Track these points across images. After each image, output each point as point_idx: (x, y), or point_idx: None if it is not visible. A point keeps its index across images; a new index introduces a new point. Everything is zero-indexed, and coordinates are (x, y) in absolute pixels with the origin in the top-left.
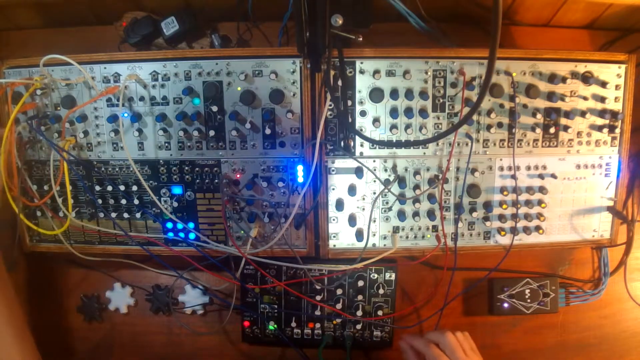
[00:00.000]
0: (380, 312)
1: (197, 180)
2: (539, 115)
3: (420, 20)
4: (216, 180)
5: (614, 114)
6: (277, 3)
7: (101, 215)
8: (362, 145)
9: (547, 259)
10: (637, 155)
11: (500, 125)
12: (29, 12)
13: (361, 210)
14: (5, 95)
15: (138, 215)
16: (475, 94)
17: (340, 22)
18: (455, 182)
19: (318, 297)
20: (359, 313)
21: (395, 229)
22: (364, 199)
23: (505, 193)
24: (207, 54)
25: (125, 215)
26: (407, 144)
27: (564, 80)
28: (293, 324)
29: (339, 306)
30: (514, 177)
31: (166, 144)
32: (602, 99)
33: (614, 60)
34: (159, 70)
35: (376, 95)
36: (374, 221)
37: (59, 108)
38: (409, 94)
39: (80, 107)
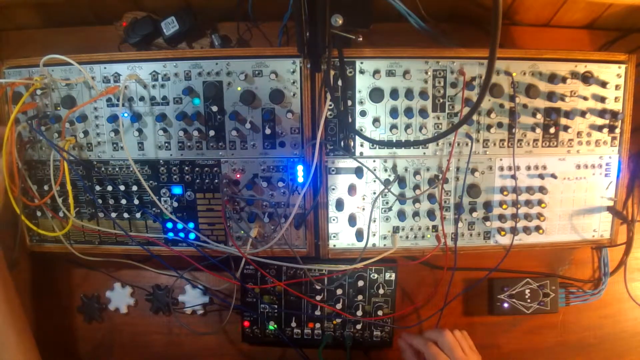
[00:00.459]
0: (380, 312)
1: (197, 180)
2: (539, 115)
3: (420, 20)
4: (216, 180)
5: (614, 114)
6: (277, 3)
7: (101, 215)
8: (362, 145)
9: (547, 259)
10: (637, 155)
11: (500, 125)
12: (29, 12)
13: (361, 210)
14: (5, 95)
15: (138, 215)
16: (475, 94)
17: (340, 22)
18: (455, 182)
19: (318, 297)
20: (359, 313)
21: (395, 229)
22: (364, 199)
23: (505, 193)
24: (207, 54)
25: (125, 215)
26: (407, 144)
27: (564, 80)
28: (293, 324)
29: (339, 306)
30: (514, 177)
31: (166, 144)
32: (602, 99)
33: (614, 60)
34: (159, 70)
35: (376, 95)
36: (374, 221)
37: (59, 108)
38: (409, 94)
39: (80, 107)
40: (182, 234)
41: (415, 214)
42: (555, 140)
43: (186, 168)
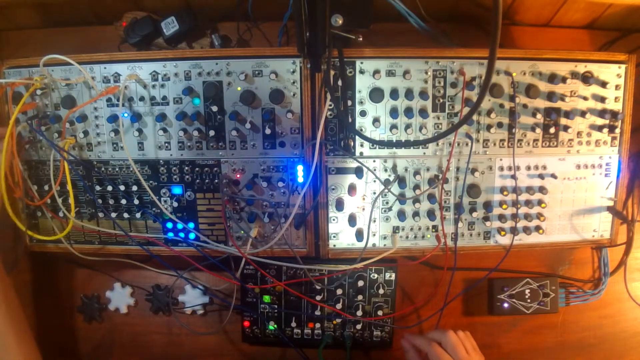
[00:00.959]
0: (380, 312)
1: (197, 180)
2: (539, 115)
3: (420, 20)
4: (216, 180)
5: (614, 114)
6: (277, 3)
7: (101, 215)
8: (362, 145)
9: (547, 259)
10: (637, 155)
11: (500, 125)
12: (29, 12)
13: (361, 210)
14: (5, 95)
15: (138, 215)
16: (475, 94)
17: (340, 22)
18: (455, 182)
19: (318, 297)
20: (359, 313)
21: (395, 229)
22: (364, 199)
23: (505, 193)
24: (207, 54)
25: (125, 215)
26: (407, 144)
27: (564, 80)
28: (293, 324)
29: (339, 306)
30: (514, 177)
31: (166, 144)
32: (602, 99)
33: (614, 60)
34: (159, 70)
35: (376, 95)
36: (374, 221)
37: (59, 108)
38: (409, 94)
39: (80, 107)
40: (182, 234)
41: (415, 214)
42: (555, 140)
43: (186, 168)
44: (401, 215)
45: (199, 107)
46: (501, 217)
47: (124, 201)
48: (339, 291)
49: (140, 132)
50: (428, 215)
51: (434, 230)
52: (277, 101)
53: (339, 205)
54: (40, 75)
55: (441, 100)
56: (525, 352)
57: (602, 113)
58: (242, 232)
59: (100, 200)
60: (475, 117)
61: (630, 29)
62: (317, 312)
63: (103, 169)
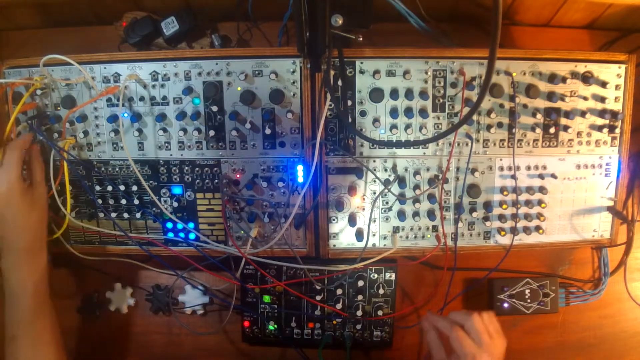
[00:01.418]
0: (380, 312)
1: (197, 180)
2: (539, 115)
3: (420, 20)
4: (216, 180)
5: (614, 114)
6: (277, 3)
7: (101, 215)
8: (362, 145)
9: (547, 259)
10: (637, 155)
11: (500, 125)
12: (29, 12)
13: (361, 210)
14: (5, 95)
15: (138, 215)
16: (475, 94)
17: (340, 22)
18: (455, 182)
19: (318, 297)
20: (359, 313)
21: (395, 229)
22: (364, 199)
23: (505, 193)
24: (207, 54)
25: (125, 215)
26: (407, 144)
27: (564, 80)
28: (293, 324)
29: (339, 306)
30: (514, 177)
31: (166, 144)
32: (602, 99)
33: (614, 60)
34: (159, 70)
35: (376, 95)
36: (374, 221)
37: (59, 108)
38: (409, 94)
39: (80, 107)
40: (182, 234)
41: (415, 214)
42: (555, 140)
43: (186, 168)
44: (401, 215)
45: (199, 107)
46: (501, 217)
47: (124, 201)
48: (339, 291)
49: (140, 132)
50: (428, 215)
51: (434, 230)
52: (277, 101)
53: (339, 205)
54: (40, 75)
55: (441, 100)
56: (525, 352)
57: (602, 113)
58: (242, 232)
59: (100, 200)
60: (475, 117)
61: (630, 29)
62: (317, 312)
63: (103, 169)
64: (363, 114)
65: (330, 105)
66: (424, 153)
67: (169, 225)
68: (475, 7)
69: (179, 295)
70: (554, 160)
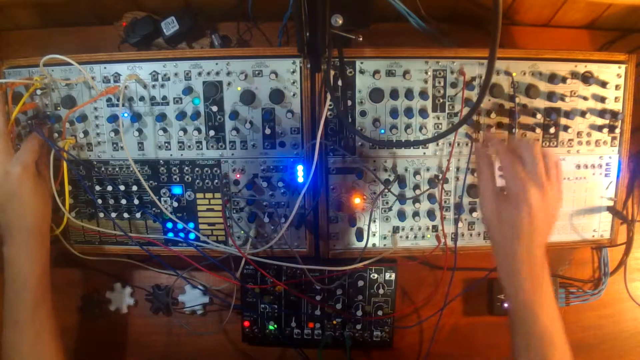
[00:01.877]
0: (380, 312)
1: (197, 180)
2: (539, 115)
3: (420, 20)
4: (216, 180)
5: (614, 114)
6: (277, 3)
7: (101, 215)
8: (362, 145)
9: (547, 259)
10: (637, 155)
11: (500, 125)
12: (29, 12)
13: (361, 210)
14: (5, 95)
15: (138, 215)
16: (475, 94)
17: (340, 22)
18: (455, 182)
19: (318, 297)
20: (359, 313)
21: (395, 229)
22: (364, 199)
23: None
24: (207, 54)
25: (125, 215)
26: (407, 144)
27: (564, 80)
28: (293, 324)
29: (339, 306)
30: None
31: (166, 144)
32: (602, 99)
33: (614, 60)
34: (159, 70)
35: (376, 95)
36: (374, 221)
37: (59, 108)
38: (409, 94)
39: (80, 107)
40: (182, 234)
41: (415, 214)
42: (555, 140)
43: (186, 168)
44: (401, 215)
45: (199, 107)
46: None
47: (124, 201)
48: (339, 291)
49: (140, 132)
50: (428, 215)
51: (434, 230)
52: (277, 101)
53: (339, 205)
54: (40, 75)
55: (441, 100)
56: None
57: (602, 113)
58: (242, 232)
59: (100, 200)
60: (475, 117)
61: (630, 29)
62: (317, 312)
63: (103, 169)
64: (363, 114)
65: (330, 105)
66: (424, 153)
67: (169, 225)
68: (475, 7)
69: (179, 295)
70: None
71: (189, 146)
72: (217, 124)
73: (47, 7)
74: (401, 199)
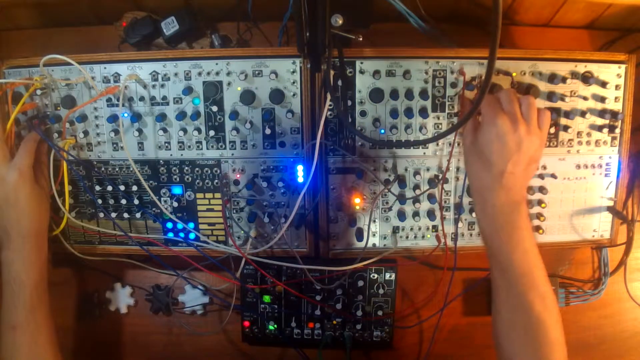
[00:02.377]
0: (380, 312)
1: (197, 180)
2: None
3: (420, 20)
4: (216, 180)
5: (614, 114)
6: (277, 3)
7: (101, 215)
8: (362, 145)
9: (547, 259)
10: (637, 155)
11: None
12: (29, 12)
13: (361, 210)
14: (5, 95)
15: (138, 215)
16: (476, 94)
17: (340, 22)
18: (455, 182)
19: (318, 297)
20: (359, 313)
21: (395, 229)
22: (364, 199)
23: None
24: (207, 54)
25: (125, 215)
26: (407, 144)
27: (564, 80)
28: (293, 324)
29: (339, 306)
30: None
31: (166, 144)
32: (602, 99)
33: (614, 60)
34: (159, 70)
35: (376, 95)
36: (374, 221)
37: (59, 108)
38: (409, 94)
39: (80, 107)
40: (182, 234)
41: (415, 214)
42: (555, 140)
43: (186, 168)
44: (401, 215)
45: (199, 107)
46: None
47: (124, 201)
48: (339, 291)
49: (140, 132)
50: (428, 215)
51: (434, 230)
52: (277, 101)
53: (339, 205)
54: (40, 75)
55: (441, 100)
56: None
57: (602, 113)
58: (242, 232)
59: (100, 200)
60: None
61: (630, 29)
62: (317, 312)
63: (103, 169)
64: (363, 114)
65: (330, 105)
66: (424, 153)
67: (169, 225)
68: (475, 7)
69: (179, 295)
70: (553, 160)
71: (189, 146)
72: (217, 124)
73: (47, 7)
74: (401, 199)
